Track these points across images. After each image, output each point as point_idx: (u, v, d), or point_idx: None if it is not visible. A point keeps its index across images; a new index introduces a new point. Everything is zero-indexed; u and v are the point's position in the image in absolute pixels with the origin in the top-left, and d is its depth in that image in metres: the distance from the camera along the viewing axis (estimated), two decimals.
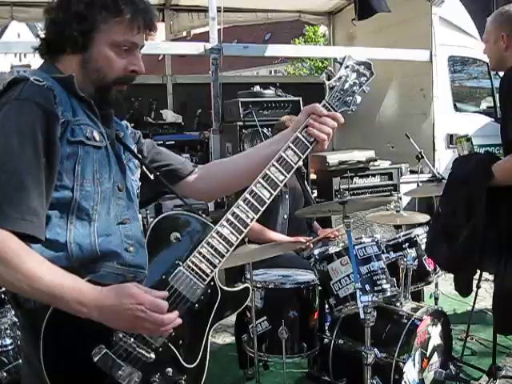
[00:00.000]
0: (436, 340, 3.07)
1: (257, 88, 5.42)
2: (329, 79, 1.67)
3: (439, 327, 3.09)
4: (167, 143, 6.17)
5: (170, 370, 1.52)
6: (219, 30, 5.35)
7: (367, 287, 2.75)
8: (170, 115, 6.81)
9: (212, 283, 1.57)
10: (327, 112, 1.65)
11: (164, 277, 1.50)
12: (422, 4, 6.37)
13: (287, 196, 3.80)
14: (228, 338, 4.23)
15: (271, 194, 1.58)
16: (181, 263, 1.52)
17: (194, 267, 1.51)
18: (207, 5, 5.42)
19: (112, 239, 1.49)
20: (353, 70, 1.68)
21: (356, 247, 2.83)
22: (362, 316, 2.53)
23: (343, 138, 8.30)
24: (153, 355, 1.45)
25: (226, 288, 1.63)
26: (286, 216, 3.77)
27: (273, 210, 3.71)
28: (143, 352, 1.44)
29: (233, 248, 1.55)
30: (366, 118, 7.71)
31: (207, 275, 1.53)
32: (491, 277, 3.57)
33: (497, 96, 7.17)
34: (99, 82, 1.53)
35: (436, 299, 3.72)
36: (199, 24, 7.68)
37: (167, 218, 1.58)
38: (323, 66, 18.84)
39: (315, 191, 5.49)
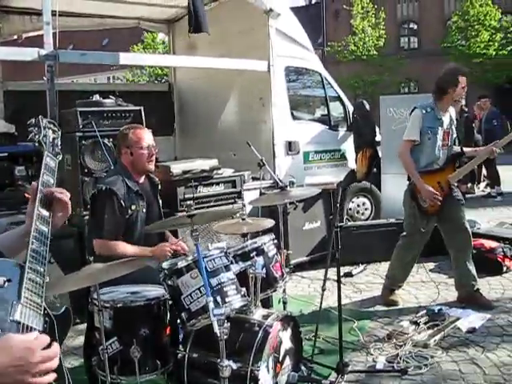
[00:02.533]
0: (287, 344, 3.15)
1: (96, 97, 5.20)
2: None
3: (289, 331, 3.18)
4: None
5: None
6: (54, 35, 5.02)
7: (218, 299, 2.74)
8: (1, 125, 6.34)
9: (45, 311, 1.66)
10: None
11: (12, 318, 1.51)
12: (259, 16, 6.56)
13: (144, 210, 3.67)
14: (76, 361, 4.01)
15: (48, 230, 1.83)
16: (18, 302, 1.56)
17: (30, 301, 1.59)
18: (41, 8, 5.06)
19: None
20: (48, 127, 2.12)
21: (205, 259, 2.81)
22: (216, 329, 2.51)
23: (185, 146, 8.31)
24: None
25: (53, 312, 1.74)
26: (142, 231, 3.62)
27: (130, 225, 3.58)
28: None
29: (46, 277, 1.69)
30: (207, 127, 7.79)
31: (40, 305, 1.62)
32: (334, 277, 3.76)
33: (330, 104, 7.60)
34: None
35: (284, 303, 3.82)
36: (32, 28, 7.20)
37: None
38: (163, 74, 18.76)
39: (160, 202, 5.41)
